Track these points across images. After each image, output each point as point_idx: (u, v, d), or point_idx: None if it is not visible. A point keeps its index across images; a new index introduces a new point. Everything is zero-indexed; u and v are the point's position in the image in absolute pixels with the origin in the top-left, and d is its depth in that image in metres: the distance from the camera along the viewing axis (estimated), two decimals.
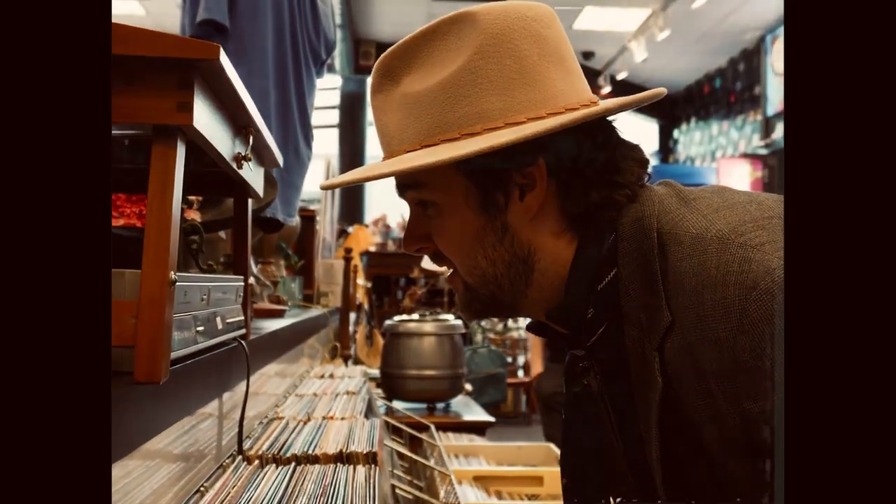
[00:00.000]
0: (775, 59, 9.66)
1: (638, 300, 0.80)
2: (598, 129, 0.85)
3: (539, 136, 0.78)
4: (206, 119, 0.77)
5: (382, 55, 0.89)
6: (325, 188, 0.90)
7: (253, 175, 1.10)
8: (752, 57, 10.45)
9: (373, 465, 1.13)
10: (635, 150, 0.88)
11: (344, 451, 1.16)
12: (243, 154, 0.96)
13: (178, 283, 0.76)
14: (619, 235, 0.83)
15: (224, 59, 0.72)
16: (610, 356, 0.85)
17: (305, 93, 2.26)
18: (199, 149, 0.85)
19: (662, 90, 0.91)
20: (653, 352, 0.78)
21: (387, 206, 10.50)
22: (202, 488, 0.97)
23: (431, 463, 1.97)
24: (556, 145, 0.82)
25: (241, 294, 1.16)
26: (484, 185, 0.84)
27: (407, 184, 0.89)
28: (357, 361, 3.56)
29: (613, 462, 0.88)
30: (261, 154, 1.13)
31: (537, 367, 3.94)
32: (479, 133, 0.81)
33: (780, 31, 9.46)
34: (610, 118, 0.88)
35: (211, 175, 1.09)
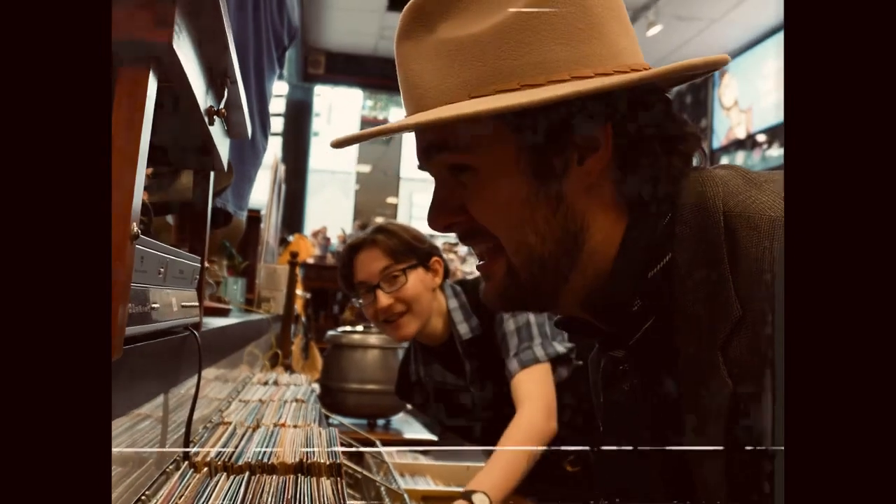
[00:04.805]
0: (723, 93, 9.84)
1: (696, 291, 0.69)
2: (658, 96, 0.76)
3: (609, 92, 0.69)
4: (185, 48, 0.64)
5: None
6: (338, 144, 0.78)
7: (220, 141, 0.97)
8: (699, 89, 10.63)
9: (338, 479, 1.00)
10: (688, 124, 0.79)
11: (305, 461, 1.02)
12: (216, 109, 0.83)
13: (136, 247, 0.63)
14: (675, 217, 0.73)
15: None
16: (655, 357, 0.73)
17: (265, 78, 2.11)
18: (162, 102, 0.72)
19: (726, 56, 0.80)
20: (715, 351, 0.67)
21: (327, 220, 10.29)
22: (143, 497, 0.82)
23: (379, 479, 1.83)
24: (621, 105, 0.72)
25: (196, 277, 1.02)
26: (540, 145, 0.73)
27: (439, 145, 0.76)
28: (292, 373, 3.40)
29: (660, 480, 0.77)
30: (230, 118, 1.00)
31: None
32: (542, 84, 0.70)
33: (729, 65, 9.66)
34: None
35: (169, 141, 0.95)
